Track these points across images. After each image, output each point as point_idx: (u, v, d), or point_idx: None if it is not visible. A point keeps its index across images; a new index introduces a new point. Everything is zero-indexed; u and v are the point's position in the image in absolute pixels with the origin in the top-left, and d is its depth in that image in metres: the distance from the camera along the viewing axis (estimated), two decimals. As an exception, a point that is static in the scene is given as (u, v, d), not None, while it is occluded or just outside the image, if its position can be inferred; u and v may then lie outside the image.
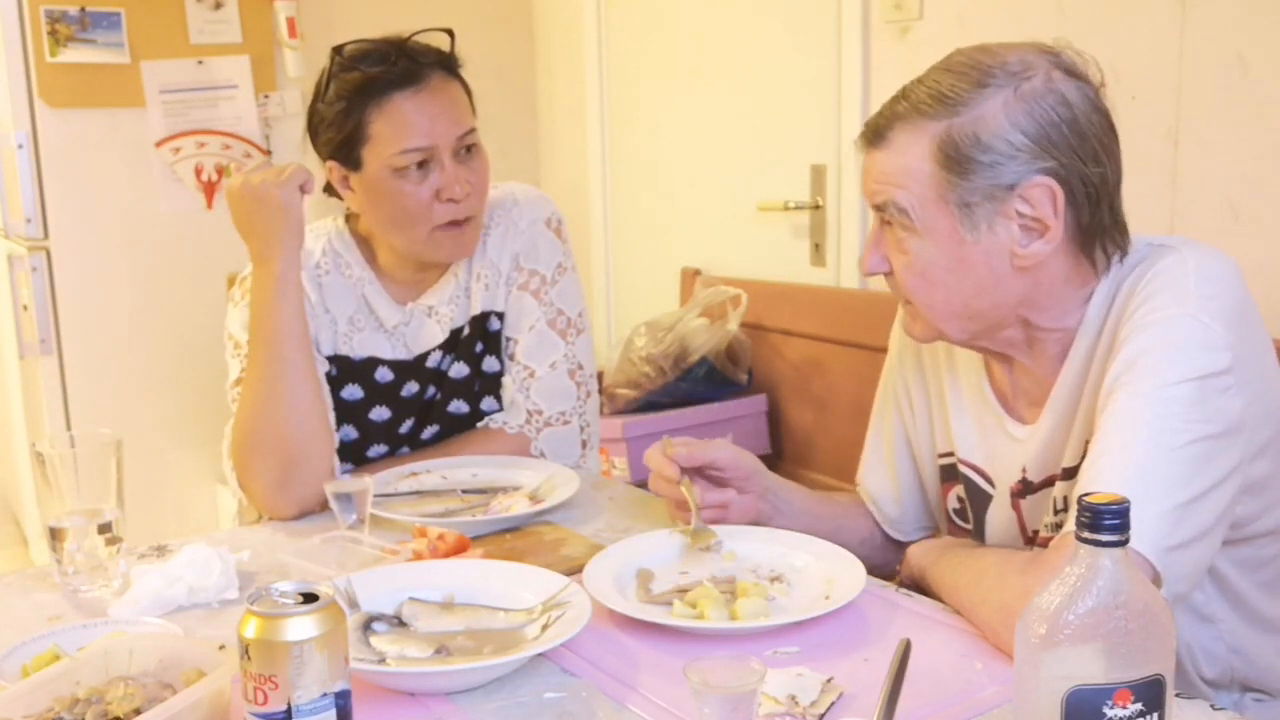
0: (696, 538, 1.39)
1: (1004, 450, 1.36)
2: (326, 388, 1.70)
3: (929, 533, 1.56)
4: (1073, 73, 1.21)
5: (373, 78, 1.64)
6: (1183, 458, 1.11)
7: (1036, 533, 1.34)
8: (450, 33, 1.74)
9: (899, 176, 1.23)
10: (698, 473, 1.46)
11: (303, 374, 1.61)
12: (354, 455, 1.76)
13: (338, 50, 1.69)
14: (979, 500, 1.41)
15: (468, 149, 1.69)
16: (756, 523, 1.46)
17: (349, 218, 1.83)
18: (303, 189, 1.62)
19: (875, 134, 1.26)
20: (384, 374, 1.77)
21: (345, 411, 1.75)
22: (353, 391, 1.76)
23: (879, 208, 1.26)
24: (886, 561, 1.49)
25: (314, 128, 1.72)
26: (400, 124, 1.64)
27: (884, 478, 1.55)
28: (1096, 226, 1.22)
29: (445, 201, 1.67)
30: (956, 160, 1.19)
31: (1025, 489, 1.34)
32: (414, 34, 1.70)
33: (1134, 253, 1.26)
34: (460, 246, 1.73)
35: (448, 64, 1.71)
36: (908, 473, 1.53)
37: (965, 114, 1.19)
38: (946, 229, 1.22)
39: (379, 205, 1.70)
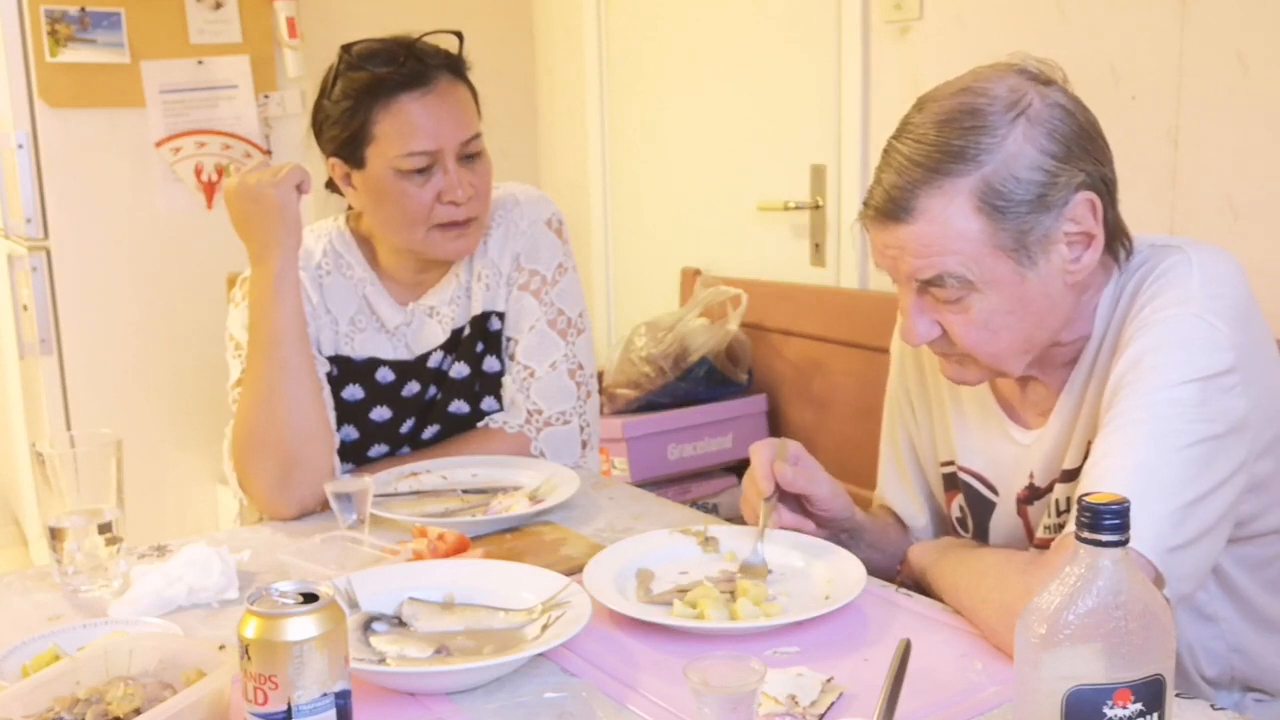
0: (746, 571, 1.33)
1: (1008, 456, 1.36)
2: (327, 388, 1.70)
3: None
4: (1048, 81, 1.21)
5: (380, 78, 1.64)
6: (1186, 459, 1.11)
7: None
8: (459, 35, 1.74)
9: (945, 243, 1.17)
10: (793, 496, 1.41)
11: (302, 374, 1.61)
12: (355, 455, 1.76)
13: (346, 49, 1.70)
14: (980, 508, 1.40)
15: (472, 153, 1.69)
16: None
17: (350, 218, 1.83)
18: (300, 189, 1.62)
19: (897, 208, 1.19)
20: (385, 374, 1.77)
21: (346, 412, 1.75)
22: (353, 392, 1.76)
23: (929, 282, 1.20)
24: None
25: (318, 124, 1.72)
26: (405, 126, 1.64)
27: (901, 490, 1.54)
28: (1116, 221, 1.23)
29: (446, 204, 1.67)
30: (1002, 207, 1.16)
31: (1033, 494, 1.33)
32: (423, 35, 1.70)
33: (1136, 254, 1.26)
34: (459, 245, 1.72)
35: (455, 67, 1.71)
36: (922, 482, 1.53)
37: (993, 159, 1.15)
38: (1006, 274, 1.18)
39: (380, 204, 1.70)
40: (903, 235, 1.19)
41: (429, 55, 1.68)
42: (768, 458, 1.39)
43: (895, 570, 1.45)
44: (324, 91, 1.71)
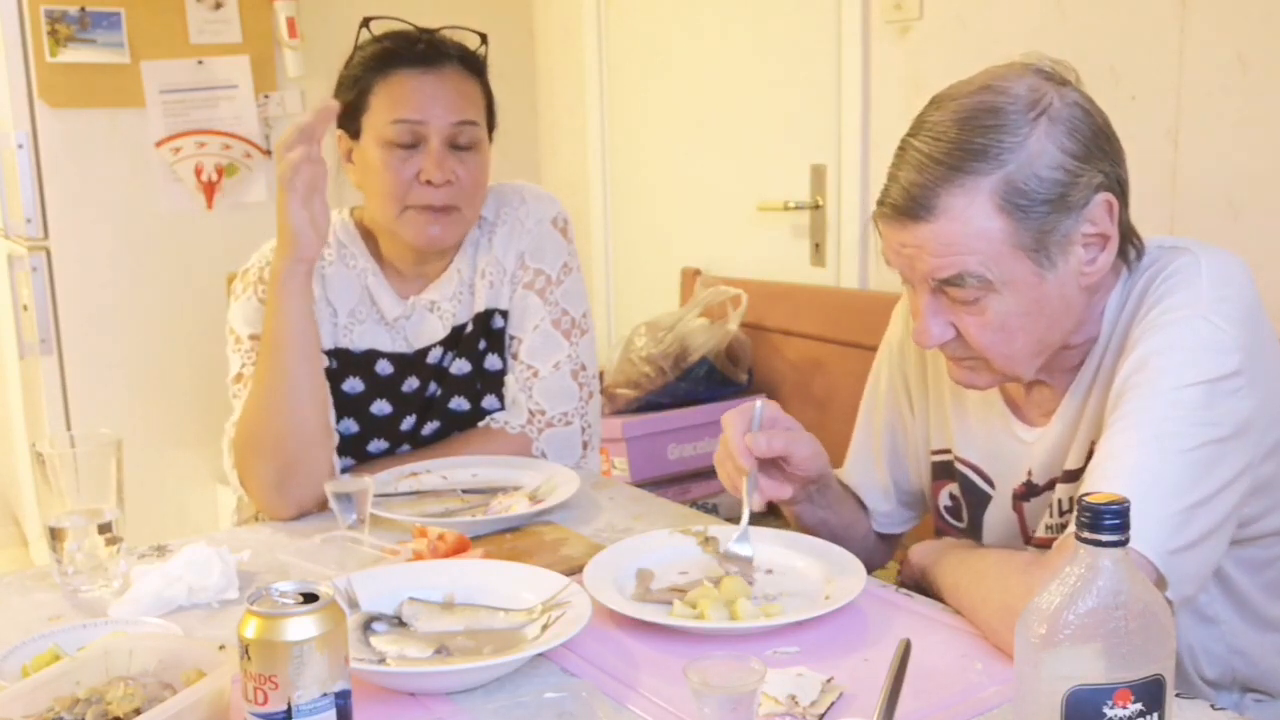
0: (730, 559, 1.32)
1: (1008, 451, 1.36)
2: (326, 384, 1.69)
3: (907, 523, 1.57)
4: (1064, 81, 1.21)
5: (389, 51, 1.68)
6: (1190, 461, 1.11)
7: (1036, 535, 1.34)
8: (484, 37, 1.76)
9: (966, 242, 1.16)
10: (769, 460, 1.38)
11: (301, 379, 1.60)
12: (355, 450, 1.76)
13: (366, 23, 1.73)
14: (976, 500, 1.41)
15: (465, 143, 1.69)
16: (798, 512, 1.45)
17: (354, 209, 1.84)
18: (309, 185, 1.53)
19: (917, 205, 1.17)
20: (384, 367, 1.77)
21: (346, 405, 1.75)
22: (354, 385, 1.76)
23: (947, 281, 1.19)
24: (871, 558, 1.48)
25: (335, 95, 1.74)
26: (396, 96, 1.66)
27: (872, 472, 1.54)
28: (1128, 223, 1.23)
29: (424, 184, 1.67)
30: (1024, 206, 1.15)
31: (1029, 491, 1.34)
32: (448, 27, 1.73)
33: (1145, 255, 1.26)
34: (432, 233, 1.70)
35: (470, 61, 1.73)
36: (898, 467, 1.53)
37: (1015, 158, 1.14)
38: (1024, 275, 1.18)
39: (366, 178, 1.71)
40: (922, 234, 1.18)
41: (445, 44, 1.71)
42: (740, 430, 1.35)
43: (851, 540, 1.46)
44: (345, 64, 1.74)
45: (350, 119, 1.71)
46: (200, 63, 3.19)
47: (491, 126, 1.77)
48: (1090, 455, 1.20)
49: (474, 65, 1.73)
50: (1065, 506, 1.28)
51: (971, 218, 1.16)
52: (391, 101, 1.67)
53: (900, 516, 1.56)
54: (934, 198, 1.16)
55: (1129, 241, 1.23)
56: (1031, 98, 1.17)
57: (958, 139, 1.16)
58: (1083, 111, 1.18)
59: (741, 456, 1.34)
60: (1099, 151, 1.18)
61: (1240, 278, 1.21)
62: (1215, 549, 1.15)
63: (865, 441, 1.56)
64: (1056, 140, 1.16)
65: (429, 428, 1.80)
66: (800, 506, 1.47)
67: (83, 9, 3.03)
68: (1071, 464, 1.27)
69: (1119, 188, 1.20)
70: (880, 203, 1.22)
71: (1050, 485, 1.31)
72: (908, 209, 1.18)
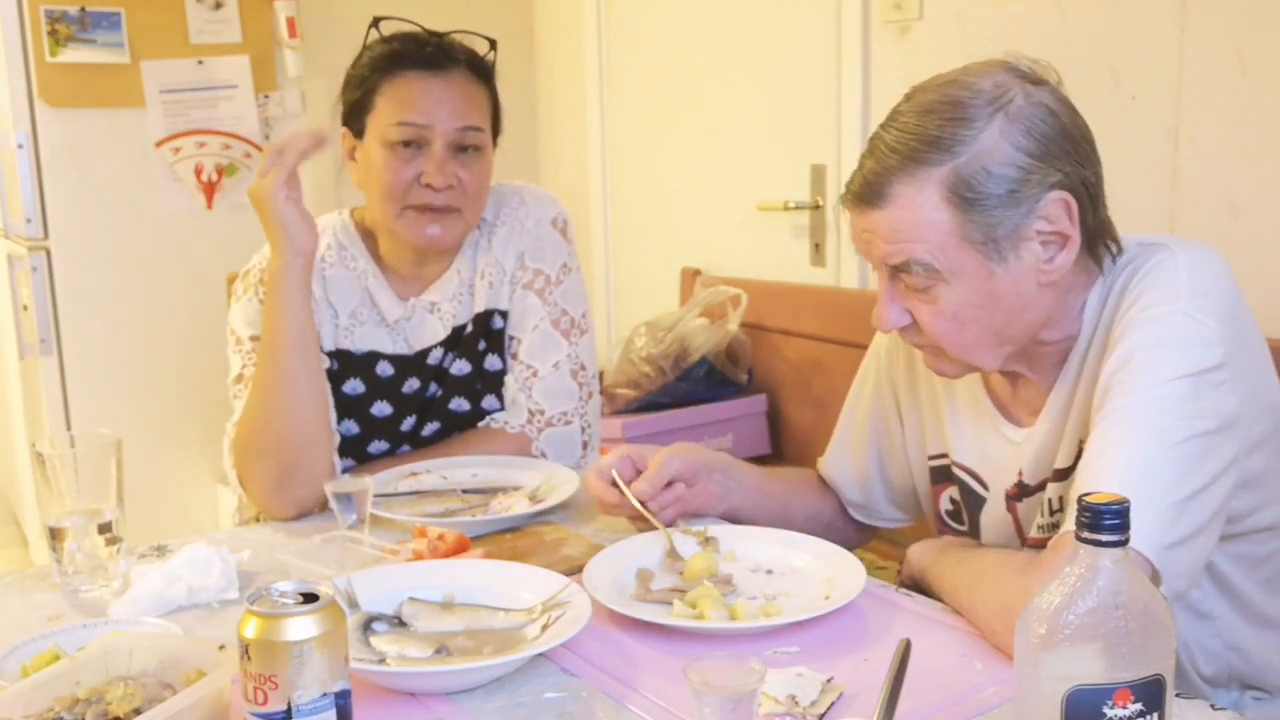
0: (694, 550, 1.37)
1: (999, 453, 1.36)
2: (327, 385, 1.69)
3: (897, 523, 1.59)
4: (1038, 80, 1.21)
5: (398, 52, 1.69)
6: (1179, 455, 1.11)
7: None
8: (493, 43, 1.77)
9: (913, 231, 1.19)
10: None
11: (298, 379, 1.60)
12: (355, 451, 1.76)
13: (375, 23, 1.74)
14: (973, 503, 1.41)
15: (467, 147, 1.69)
16: (713, 505, 1.49)
17: (354, 210, 1.84)
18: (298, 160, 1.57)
19: (872, 193, 1.21)
20: (384, 368, 1.77)
21: (347, 406, 1.75)
22: (354, 386, 1.76)
23: (898, 268, 1.22)
24: (835, 540, 1.49)
25: (341, 93, 1.75)
26: (403, 98, 1.67)
27: (849, 467, 1.57)
28: (1098, 225, 1.23)
29: (424, 186, 1.67)
30: (971, 199, 1.17)
31: (1021, 492, 1.34)
32: (457, 31, 1.74)
33: (1124, 253, 1.26)
34: (431, 233, 1.70)
35: (478, 66, 1.74)
36: (881, 466, 1.55)
37: (967, 151, 1.16)
38: (974, 267, 1.19)
39: (368, 178, 1.72)
40: (875, 220, 1.22)
41: (454, 49, 1.72)
42: (595, 476, 1.49)
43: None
44: (353, 63, 1.74)
45: (355, 118, 1.72)
46: (200, 63, 3.19)
47: (497, 132, 1.77)
48: (1079, 453, 1.20)
49: (482, 70, 1.74)
50: (1056, 506, 1.28)
51: (919, 206, 1.18)
52: (397, 103, 1.67)
53: (884, 513, 1.58)
54: (887, 185, 1.20)
55: (1102, 242, 1.24)
56: (994, 94, 1.18)
57: (916, 129, 1.19)
58: (1047, 111, 1.19)
59: (608, 494, 1.47)
60: (1060, 152, 1.18)
61: (1218, 272, 1.21)
62: (1206, 543, 1.16)
63: (845, 435, 1.59)
64: (1011, 137, 1.17)
65: (429, 428, 1.80)
66: (730, 501, 1.50)
67: (83, 9, 3.03)
68: (1061, 463, 1.27)
69: (1083, 189, 1.20)
70: (845, 188, 1.26)
71: (1042, 485, 1.31)
72: (864, 195, 1.22)
